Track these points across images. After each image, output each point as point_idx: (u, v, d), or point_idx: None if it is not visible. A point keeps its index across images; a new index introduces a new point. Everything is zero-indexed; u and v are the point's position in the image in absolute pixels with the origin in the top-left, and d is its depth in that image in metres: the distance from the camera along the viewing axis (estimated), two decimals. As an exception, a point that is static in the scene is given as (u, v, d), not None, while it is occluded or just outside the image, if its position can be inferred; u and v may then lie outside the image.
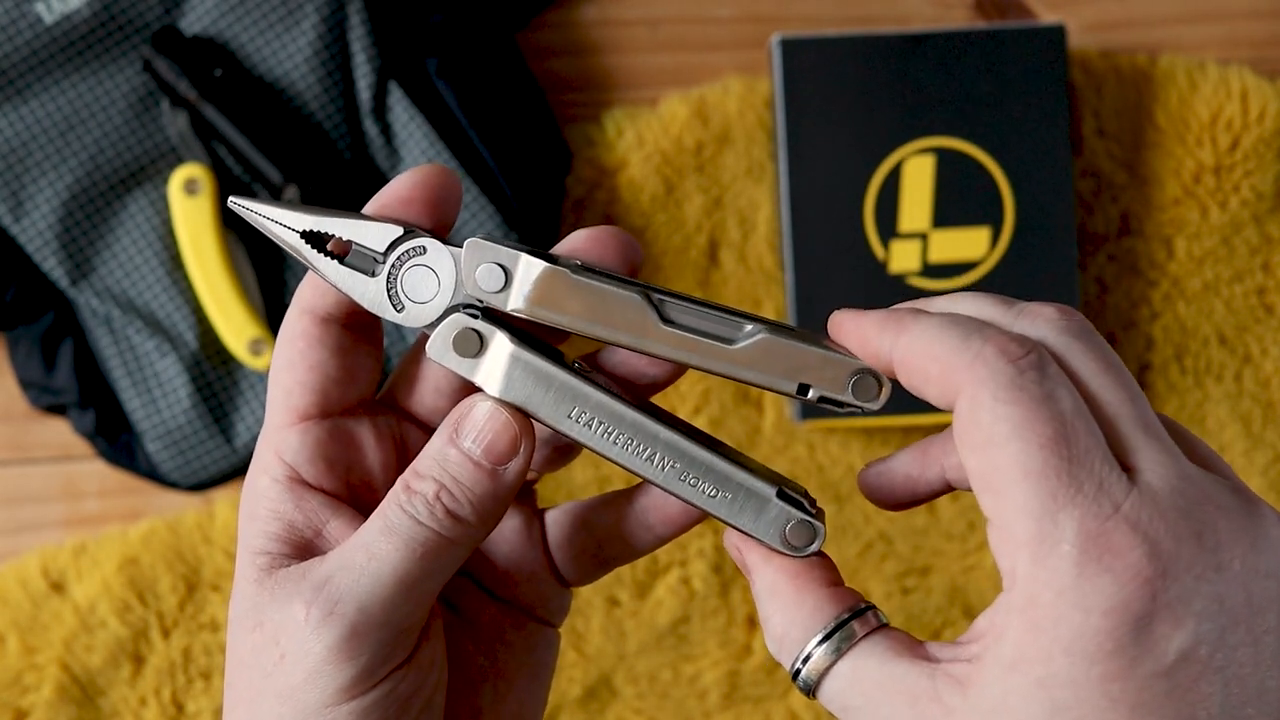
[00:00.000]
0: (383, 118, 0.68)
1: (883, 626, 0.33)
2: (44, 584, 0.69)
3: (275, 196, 0.66)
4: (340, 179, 0.67)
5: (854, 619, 0.32)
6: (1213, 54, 0.73)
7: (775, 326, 0.34)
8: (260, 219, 0.35)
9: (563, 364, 0.35)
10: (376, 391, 0.39)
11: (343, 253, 0.35)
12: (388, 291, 0.35)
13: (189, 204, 0.66)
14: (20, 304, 0.67)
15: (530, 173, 0.69)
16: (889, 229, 0.69)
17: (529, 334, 0.35)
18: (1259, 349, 0.72)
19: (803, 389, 0.34)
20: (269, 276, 0.68)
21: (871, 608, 0.33)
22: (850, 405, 0.34)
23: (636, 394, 0.37)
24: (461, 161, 0.67)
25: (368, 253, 0.35)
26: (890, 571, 0.71)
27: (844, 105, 0.69)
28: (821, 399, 0.34)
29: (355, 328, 0.37)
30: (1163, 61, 0.72)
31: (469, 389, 0.36)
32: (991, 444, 0.30)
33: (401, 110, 0.67)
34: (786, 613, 0.33)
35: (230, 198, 0.36)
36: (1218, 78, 0.71)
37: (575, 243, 0.36)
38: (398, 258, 0.35)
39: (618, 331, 0.34)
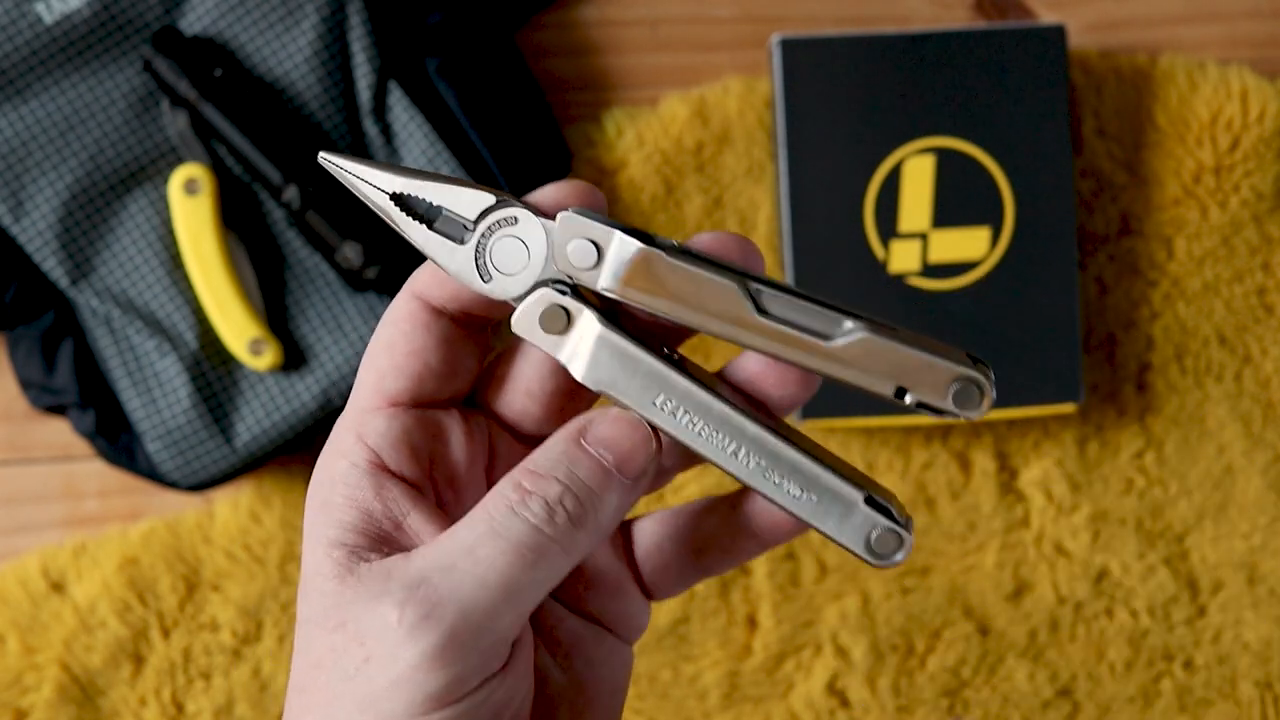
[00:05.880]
0: (383, 118, 0.68)
1: None
2: (44, 584, 0.69)
3: (275, 197, 0.66)
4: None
5: None
6: (1213, 54, 0.73)
7: (875, 324, 0.33)
8: (350, 177, 0.34)
9: (651, 348, 0.34)
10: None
11: (431, 218, 0.34)
12: (475, 260, 0.34)
13: (189, 204, 0.66)
14: (20, 304, 0.67)
15: (530, 173, 0.69)
16: (889, 229, 0.69)
17: (618, 315, 0.34)
18: (1259, 349, 0.72)
19: (900, 392, 0.33)
20: (269, 276, 0.68)
21: None
22: (950, 413, 0.33)
23: (767, 414, 0.35)
24: (461, 161, 0.67)
25: (457, 219, 0.34)
26: (890, 571, 0.71)
27: (844, 105, 0.69)
28: (919, 404, 0.33)
29: (465, 323, 0.35)
30: (1163, 61, 0.72)
31: (563, 393, 0.35)
32: None
33: (401, 110, 0.67)
34: None
35: (321, 153, 0.35)
36: (1218, 78, 0.71)
37: (698, 244, 0.35)
38: (488, 226, 0.34)
39: (710, 319, 0.33)
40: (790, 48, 0.69)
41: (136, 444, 0.68)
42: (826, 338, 0.33)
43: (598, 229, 0.33)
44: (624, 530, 0.38)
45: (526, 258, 0.34)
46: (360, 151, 0.68)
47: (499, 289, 0.34)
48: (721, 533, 0.37)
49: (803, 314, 0.33)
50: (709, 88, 0.72)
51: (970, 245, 0.69)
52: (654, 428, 0.34)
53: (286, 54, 0.67)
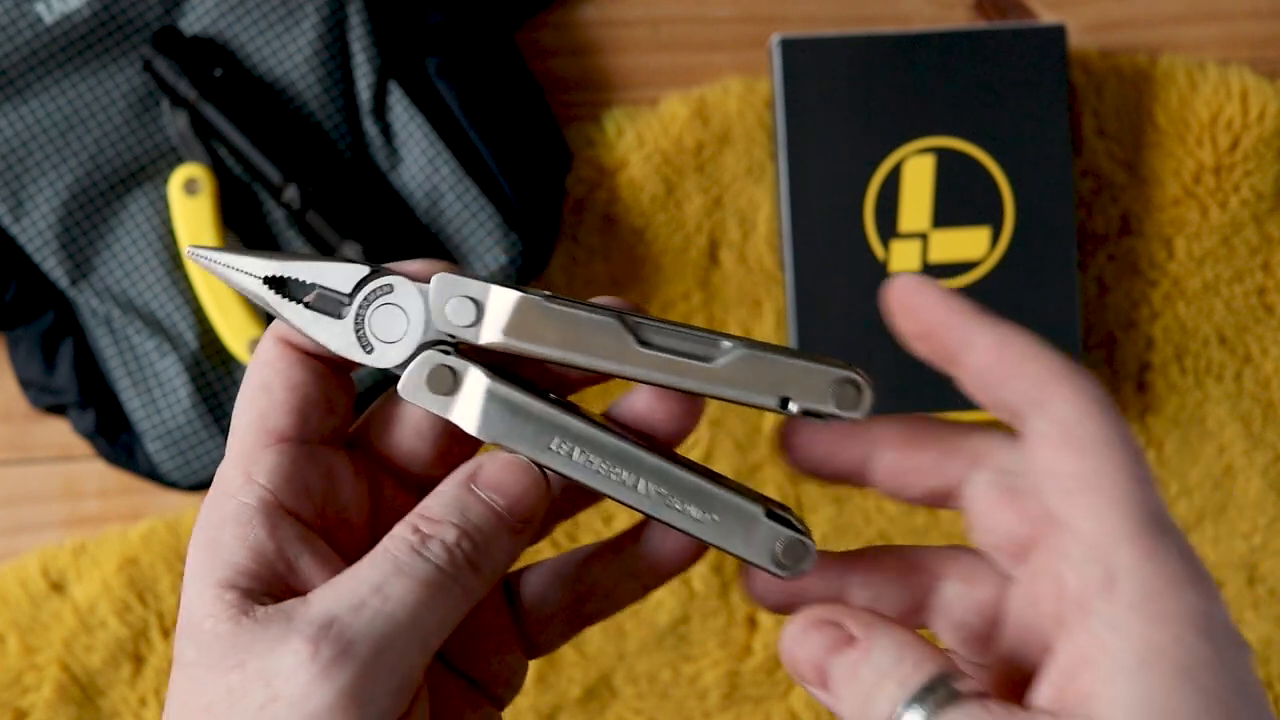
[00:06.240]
0: (383, 118, 0.68)
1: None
2: (44, 584, 0.69)
3: (275, 197, 0.66)
4: (340, 179, 0.67)
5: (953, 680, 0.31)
6: (1213, 54, 0.73)
7: (753, 344, 0.34)
8: (221, 268, 0.35)
9: (540, 395, 0.34)
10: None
11: (306, 297, 0.35)
12: (356, 333, 0.35)
13: (189, 204, 0.66)
14: (20, 304, 0.67)
15: (530, 173, 0.69)
16: (889, 229, 0.69)
17: (503, 369, 0.35)
18: (1259, 349, 0.72)
19: (784, 403, 0.34)
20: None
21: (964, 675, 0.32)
22: (833, 415, 0.34)
23: (659, 446, 0.36)
24: (461, 161, 0.67)
25: (333, 295, 0.35)
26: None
27: (844, 105, 0.69)
28: (804, 411, 0.34)
29: (331, 364, 0.36)
30: (1163, 61, 0.72)
31: (452, 434, 0.35)
32: (1100, 447, 0.31)
33: (401, 110, 0.67)
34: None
35: (188, 247, 0.35)
36: (1218, 78, 0.71)
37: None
38: (365, 298, 0.34)
39: (595, 357, 0.34)
40: (790, 48, 0.69)
41: (136, 444, 0.68)
42: (707, 360, 0.34)
43: (474, 285, 0.34)
44: (505, 584, 0.38)
45: (406, 324, 0.34)
46: (360, 151, 0.68)
47: (381, 359, 0.34)
48: (607, 577, 0.38)
49: (682, 341, 0.34)
50: (709, 88, 0.72)
51: (970, 245, 0.69)
52: (552, 471, 0.34)
53: (286, 54, 0.67)
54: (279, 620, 0.31)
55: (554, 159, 0.70)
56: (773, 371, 0.34)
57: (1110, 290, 0.72)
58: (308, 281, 0.35)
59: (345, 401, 0.36)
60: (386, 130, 0.68)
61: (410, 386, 0.34)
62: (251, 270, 0.35)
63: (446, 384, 0.34)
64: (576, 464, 0.34)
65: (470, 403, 0.34)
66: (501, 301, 0.34)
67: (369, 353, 0.35)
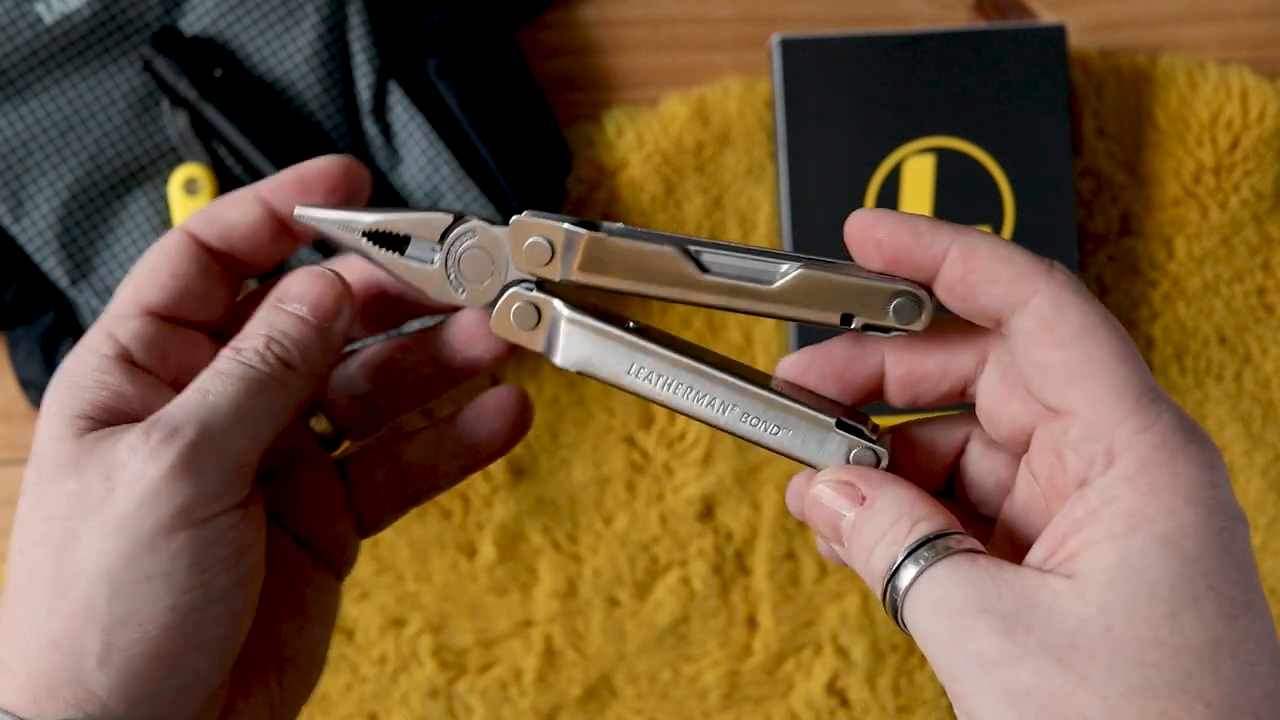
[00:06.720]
0: (383, 118, 0.68)
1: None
2: (44, 584, 0.68)
3: (275, 196, 0.66)
4: (340, 179, 0.67)
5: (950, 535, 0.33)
6: (1213, 54, 0.73)
7: (810, 261, 0.35)
8: (326, 225, 0.38)
9: (617, 323, 0.37)
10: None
11: (402, 247, 0.38)
12: (448, 276, 0.38)
13: (189, 204, 0.66)
14: (20, 304, 0.67)
15: (530, 173, 0.69)
16: (889, 229, 0.69)
17: (583, 302, 0.38)
18: (1259, 349, 0.72)
19: (846, 319, 0.35)
20: (269, 276, 0.68)
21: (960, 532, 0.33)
22: (894, 329, 0.35)
23: (731, 365, 0.38)
24: (461, 161, 0.67)
25: (426, 243, 0.38)
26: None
27: (844, 105, 0.69)
28: (865, 326, 0.35)
29: (227, 262, 0.40)
30: (1163, 61, 0.72)
31: None
32: (1085, 335, 0.32)
33: (401, 110, 0.67)
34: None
35: (297, 208, 0.38)
36: (1218, 78, 0.71)
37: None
38: (452, 244, 0.38)
39: (661, 287, 0.36)
40: (790, 48, 0.69)
41: (136, 444, 0.68)
42: (768, 282, 0.35)
43: (546, 225, 0.36)
44: (343, 466, 0.43)
45: (490, 265, 0.38)
46: (360, 151, 0.68)
47: (473, 298, 0.38)
48: (426, 458, 0.42)
49: (742, 265, 0.36)
50: (709, 88, 0.72)
51: (970, 245, 0.69)
52: (633, 393, 0.37)
53: (286, 54, 0.67)
54: (117, 432, 0.35)
55: (554, 159, 0.70)
56: (831, 290, 0.35)
57: (1110, 290, 0.72)
58: (402, 233, 0.38)
59: (224, 303, 0.40)
60: (386, 130, 0.68)
61: (500, 323, 0.38)
62: (353, 225, 0.38)
63: (531, 320, 0.37)
64: (655, 386, 0.37)
65: (554, 335, 0.37)
66: (570, 240, 0.36)
67: (461, 293, 0.38)
